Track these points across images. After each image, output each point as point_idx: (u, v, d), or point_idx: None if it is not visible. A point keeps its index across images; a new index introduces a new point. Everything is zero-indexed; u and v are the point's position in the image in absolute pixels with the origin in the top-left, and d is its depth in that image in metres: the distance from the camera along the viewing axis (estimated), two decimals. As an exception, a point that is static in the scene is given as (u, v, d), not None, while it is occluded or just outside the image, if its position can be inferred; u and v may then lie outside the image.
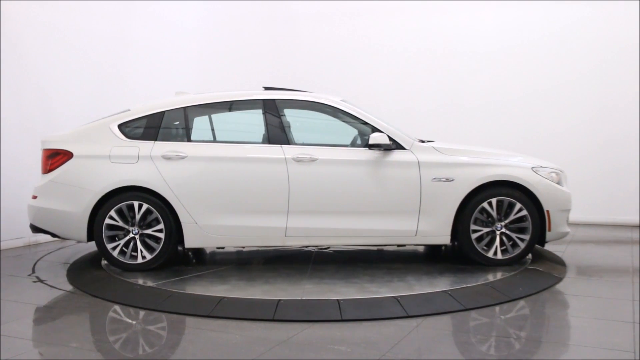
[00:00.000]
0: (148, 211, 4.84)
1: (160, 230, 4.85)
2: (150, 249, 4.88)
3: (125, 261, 4.87)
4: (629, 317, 3.83)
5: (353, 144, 5.21)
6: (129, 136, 5.02)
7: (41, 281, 4.90)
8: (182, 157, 4.89)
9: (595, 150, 7.79)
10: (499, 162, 5.11)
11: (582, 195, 7.57)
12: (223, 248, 5.48)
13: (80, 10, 7.04)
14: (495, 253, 4.98)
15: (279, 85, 5.81)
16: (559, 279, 4.77)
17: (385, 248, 5.88)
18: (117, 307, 4.11)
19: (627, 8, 7.55)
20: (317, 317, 3.83)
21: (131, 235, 4.86)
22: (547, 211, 4.99)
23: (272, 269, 5.07)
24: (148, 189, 4.85)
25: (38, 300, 4.39)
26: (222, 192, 4.88)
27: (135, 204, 4.84)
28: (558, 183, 5.15)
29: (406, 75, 8.77)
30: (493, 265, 4.97)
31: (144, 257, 4.86)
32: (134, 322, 3.85)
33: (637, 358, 3.13)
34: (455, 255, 5.33)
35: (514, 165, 5.10)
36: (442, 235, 4.97)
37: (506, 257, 4.99)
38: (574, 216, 7.43)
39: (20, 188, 6.07)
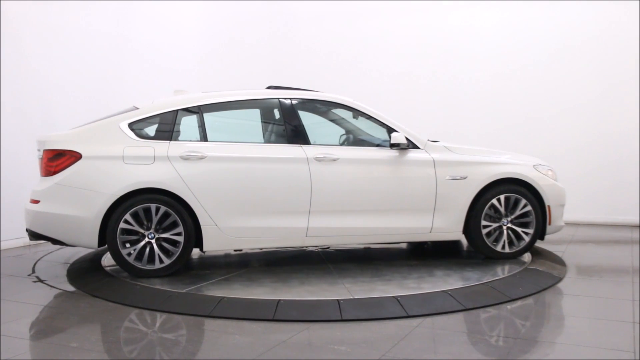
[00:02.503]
0: (164, 214, 4.63)
1: (178, 234, 4.65)
2: (166, 253, 4.69)
3: (142, 267, 4.63)
4: (629, 317, 3.83)
5: (361, 144, 5.24)
6: (141, 136, 4.76)
7: (41, 281, 4.89)
8: (202, 158, 4.71)
9: (596, 150, 7.79)
10: (504, 160, 5.38)
11: (582, 196, 7.62)
12: (241, 250, 5.44)
13: (80, 10, 7.04)
14: (503, 247, 5.22)
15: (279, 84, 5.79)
16: (559, 279, 4.78)
17: (371, 246, 5.97)
18: (117, 307, 4.09)
19: (628, 8, 7.54)
20: (317, 317, 3.83)
21: (147, 239, 4.64)
22: (548, 206, 5.29)
23: (294, 270, 5.01)
24: (163, 191, 4.63)
25: (38, 300, 4.38)
26: (244, 193, 4.76)
27: (153, 206, 4.60)
28: (554, 179, 5.44)
29: (405, 76, 8.76)
30: (502, 258, 5.23)
31: (161, 262, 4.65)
32: (134, 323, 3.84)
33: (637, 358, 3.13)
34: (436, 249, 5.33)
35: (519, 164, 5.38)
36: (455, 231, 5.16)
37: (513, 251, 5.24)
38: (574, 216, 7.52)
39: (20, 188, 6.07)
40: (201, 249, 4.81)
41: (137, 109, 4.91)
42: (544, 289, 4.49)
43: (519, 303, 4.17)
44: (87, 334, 3.61)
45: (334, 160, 4.91)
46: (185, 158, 4.70)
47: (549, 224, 5.30)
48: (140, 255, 4.64)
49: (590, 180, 7.73)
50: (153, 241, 4.66)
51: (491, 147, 5.90)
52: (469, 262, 5.26)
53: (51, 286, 4.72)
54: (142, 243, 4.64)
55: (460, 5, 8.49)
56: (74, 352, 3.28)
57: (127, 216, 4.58)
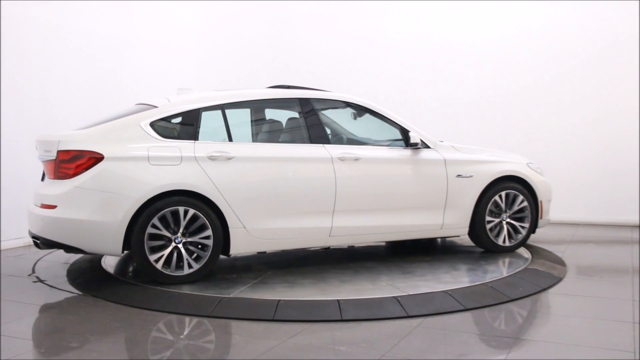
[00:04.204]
0: (191, 217, 4.41)
1: (207, 237, 4.45)
2: (194, 258, 4.48)
3: (170, 273, 4.37)
4: (629, 317, 3.83)
5: (374, 143, 5.31)
6: (164, 135, 4.51)
7: (41, 281, 4.89)
8: (230, 158, 4.56)
9: (595, 150, 7.78)
10: (504, 159, 5.67)
11: (582, 196, 7.63)
12: (264, 252, 5.36)
13: (80, 10, 7.04)
14: (504, 241, 5.53)
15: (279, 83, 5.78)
16: (559, 279, 4.78)
17: (355, 245, 5.94)
18: (117, 307, 4.09)
19: (627, 7, 7.55)
20: (317, 317, 3.83)
21: (173, 244, 4.40)
22: (541, 201, 5.65)
23: (322, 270, 4.96)
24: (189, 193, 4.41)
25: (38, 300, 4.38)
26: (272, 194, 4.67)
27: (181, 209, 4.36)
28: (542, 176, 5.79)
29: (404, 75, 8.76)
30: (502, 251, 5.53)
31: (190, 267, 4.43)
32: (134, 323, 3.84)
33: (637, 358, 3.14)
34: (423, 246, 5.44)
35: (516, 162, 5.70)
36: (462, 227, 5.40)
37: (512, 244, 5.57)
38: (574, 216, 7.54)
39: (21, 188, 6.07)
40: (226, 253, 4.62)
41: (155, 107, 4.66)
42: (544, 289, 4.49)
43: (519, 303, 4.17)
44: (87, 334, 3.61)
45: (356, 159, 4.95)
46: (213, 159, 4.52)
47: (541, 217, 5.65)
48: (167, 262, 4.39)
49: (591, 180, 7.72)
50: (180, 246, 4.43)
51: (488, 147, 6.09)
52: (474, 256, 5.45)
53: (51, 286, 4.71)
54: (170, 248, 4.40)
55: (459, 7, 8.47)
56: (74, 352, 3.28)
57: (155, 220, 4.32)
